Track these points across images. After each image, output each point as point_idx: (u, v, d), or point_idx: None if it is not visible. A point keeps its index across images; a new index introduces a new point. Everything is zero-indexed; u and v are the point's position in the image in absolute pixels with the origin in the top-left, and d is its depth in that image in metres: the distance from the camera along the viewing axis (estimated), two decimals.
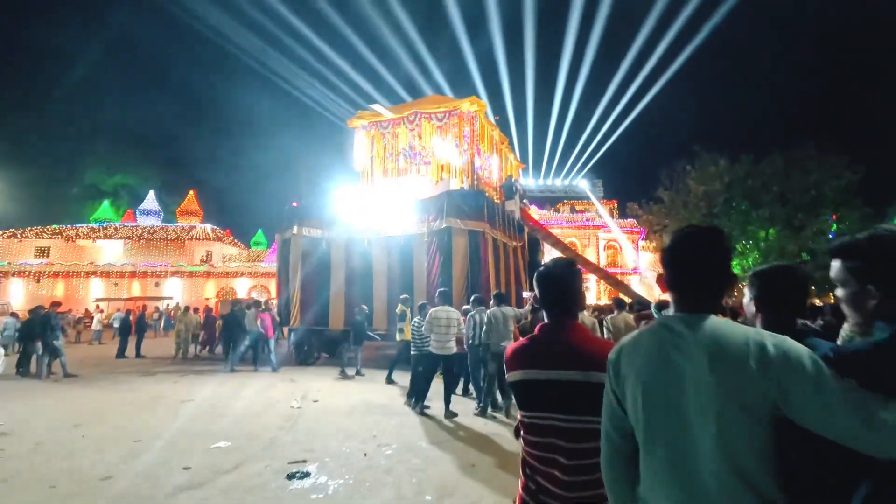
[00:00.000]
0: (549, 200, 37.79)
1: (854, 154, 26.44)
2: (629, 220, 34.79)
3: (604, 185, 40.37)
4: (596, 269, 17.87)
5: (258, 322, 10.81)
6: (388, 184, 13.50)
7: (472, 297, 7.36)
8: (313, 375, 10.15)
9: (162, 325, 26.26)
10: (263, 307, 11.62)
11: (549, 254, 33.33)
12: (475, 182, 12.96)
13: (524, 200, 16.14)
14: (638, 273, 35.10)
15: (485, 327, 6.56)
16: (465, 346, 6.84)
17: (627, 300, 17.57)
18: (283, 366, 11.50)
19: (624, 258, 35.34)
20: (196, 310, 19.51)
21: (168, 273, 36.48)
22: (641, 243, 35.72)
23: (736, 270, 27.87)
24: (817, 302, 28.63)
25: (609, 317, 6.32)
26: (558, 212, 36.73)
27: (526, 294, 10.68)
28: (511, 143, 17.00)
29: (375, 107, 13.06)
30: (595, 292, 34.84)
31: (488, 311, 6.66)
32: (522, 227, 15.11)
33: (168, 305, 31.37)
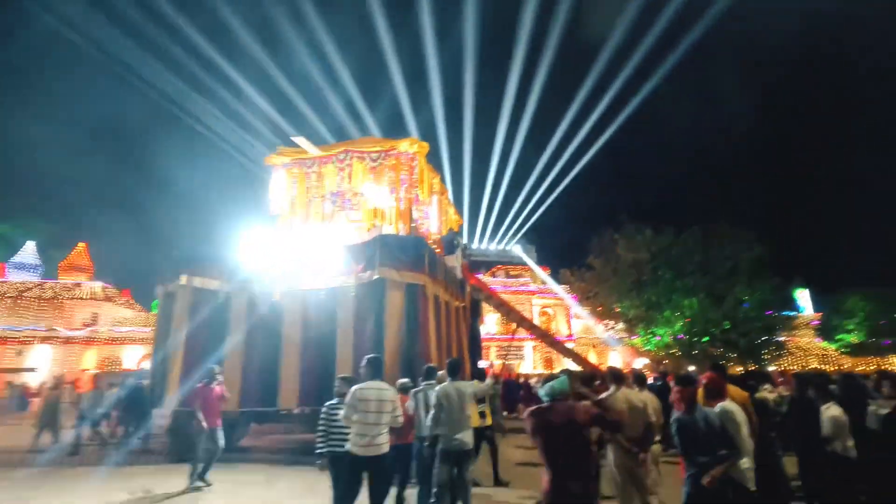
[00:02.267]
0: (484, 264, 37.08)
1: (764, 230, 28.50)
2: (562, 286, 34.68)
3: (537, 251, 40.71)
4: (543, 334, 16.48)
5: (197, 402, 7.18)
6: (310, 229, 11.46)
7: (425, 368, 5.45)
8: (179, 481, 7.17)
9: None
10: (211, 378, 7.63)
11: (485, 318, 32.11)
12: (413, 233, 11.30)
13: (466, 256, 14.67)
14: (573, 339, 34.50)
15: (432, 412, 4.58)
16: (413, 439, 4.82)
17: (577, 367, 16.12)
18: (141, 461, 8.46)
19: (573, 322, 34.80)
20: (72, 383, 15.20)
21: (37, 339, 30.34)
22: (575, 310, 35.51)
23: (665, 339, 28.23)
24: (738, 369, 29.42)
25: (606, 395, 4.59)
26: (494, 276, 35.95)
27: (484, 364, 8.76)
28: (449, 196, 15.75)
29: (299, 140, 11.27)
30: (531, 360, 33.61)
31: (438, 388, 4.73)
32: (464, 285, 13.48)
33: (28, 380, 25.55)
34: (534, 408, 3.15)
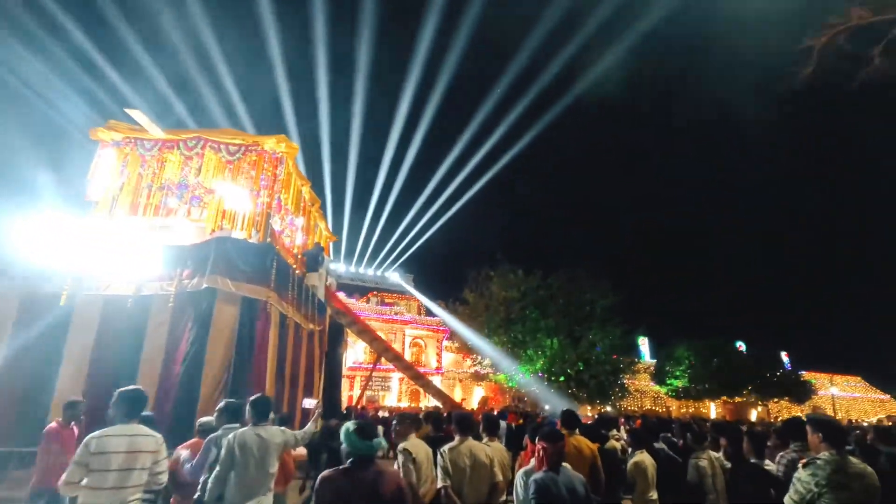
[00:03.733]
0: (359, 289, 35.56)
1: (616, 279, 31.48)
2: (436, 318, 34.56)
3: (415, 281, 40.32)
4: (406, 366, 15.58)
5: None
6: (136, 223, 9.39)
7: (221, 406, 4.17)
8: None
9: None
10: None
11: (354, 345, 30.42)
12: (268, 241, 9.86)
13: (331, 277, 13.39)
14: (441, 373, 34.23)
15: (217, 467, 3.39)
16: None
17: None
18: None
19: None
20: None
21: None
22: (446, 343, 35.47)
23: (527, 376, 29.29)
24: (587, 409, 31.61)
25: (449, 447, 3.81)
26: (367, 302, 34.56)
27: (309, 403, 7.37)
28: (324, 209, 14.49)
29: (135, 114, 9.27)
30: (397, 392, 32.47)
31: (232, 435, 3.56)
32: (325, 307, 12.18)
33: None
34: (326, 473, 2.24)
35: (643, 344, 46.80)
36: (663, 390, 40.55)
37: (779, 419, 35.63)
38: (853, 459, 2.78)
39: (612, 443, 5.48)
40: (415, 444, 3.87)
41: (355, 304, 32.82)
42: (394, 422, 4.13)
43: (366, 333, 14.21)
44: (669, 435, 6.02)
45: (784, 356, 45.87)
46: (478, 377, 32.71)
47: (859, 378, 56.52)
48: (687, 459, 4.70)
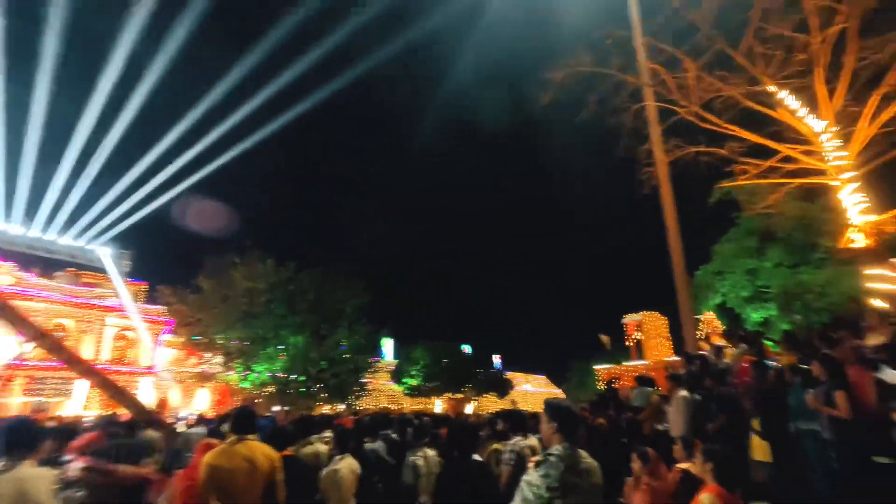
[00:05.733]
0: (44, 262, 26.30)
1: (369, 281, 31.80)
2: (159, 306, 28.54)
3: (134, 261, 32.36)
4: (87, 370, 11.31)
5: None
6: None
7: None
8: None
9: None
10: None
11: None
12: None
13: None
14: (154, 373, 28.28)
15: None
16: None
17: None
18: None
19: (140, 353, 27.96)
20: None
21: None
22: (165, 337, 29.58)
23: (263, 376, 26.84)
24: (326, 408, 30.97)
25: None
26: (51, 279, 26.03)
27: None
28: None
29: None
30: (85, 397, 25.24)
31: None
32: None
33: None
34: None
35: (388, 345, 49.21)
36: (400, 388, 43.16)
37: (486, 412, 42.06)
38: (582, 453, 2.50)
39: (317, 447, 4.51)
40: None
41: (33, 280, 24.40)
42: None
43: (21, 323, 9.88)
44: (390, 432, 5.47)
45: (497, 358, 54.79)
46: (204, 378, 28.30)
47: (545, 377, 72.08)
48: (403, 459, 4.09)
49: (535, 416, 5.59)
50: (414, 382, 41.77)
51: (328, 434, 5.43)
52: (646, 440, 5.56)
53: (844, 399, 3.79)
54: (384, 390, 44.40)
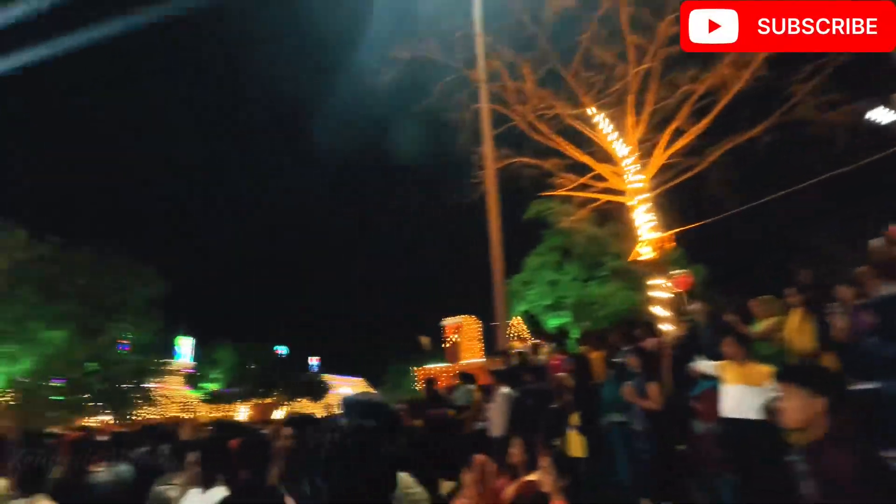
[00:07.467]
0: None
1: (165, 269, 26.90)
2: None
3: None
4: None
5: None
6: None
7: None
8: None
9: None
10: None
11: None
12: None
13: None
14: None
15: None
16: None
17: None
18: None
19: None
20: None
21: None
22: None
23: (0, 383, 20.54)
24: (89, 421, 25.08)
25: None
26: None
27: None
28: None
29: None
30: None
31: None
32: None
33: None
34: None
35: (186, 345, 42.70)
36: (196, 394, 37.68)
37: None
38: None
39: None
40: None
41: None
42: None
43: None
44: (145, 450, 4.01)
45: (315, 360, 52.12)
46: None
47: (363, 380, 71.42)
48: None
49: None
50: (214, 387, 36.87)
51: None
52: (465, 440, 5.29)
53: (657, 391, 3.93)
54: (174, 397, 38.15)
